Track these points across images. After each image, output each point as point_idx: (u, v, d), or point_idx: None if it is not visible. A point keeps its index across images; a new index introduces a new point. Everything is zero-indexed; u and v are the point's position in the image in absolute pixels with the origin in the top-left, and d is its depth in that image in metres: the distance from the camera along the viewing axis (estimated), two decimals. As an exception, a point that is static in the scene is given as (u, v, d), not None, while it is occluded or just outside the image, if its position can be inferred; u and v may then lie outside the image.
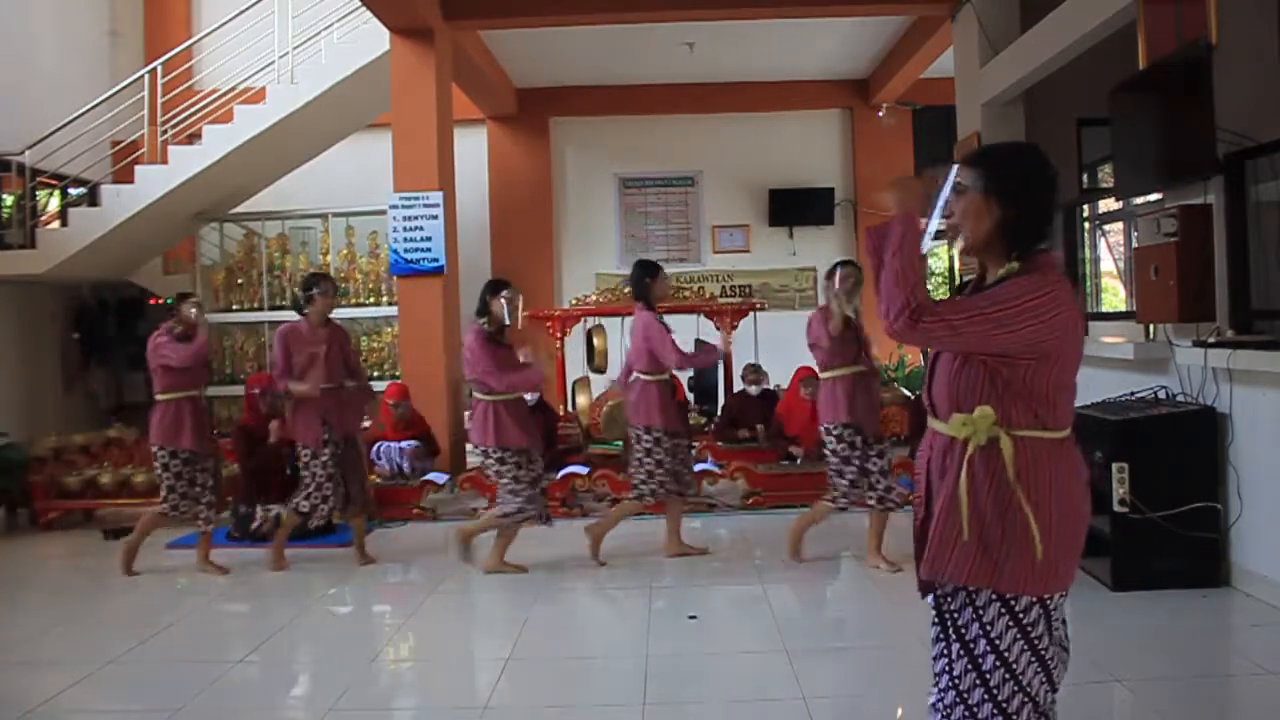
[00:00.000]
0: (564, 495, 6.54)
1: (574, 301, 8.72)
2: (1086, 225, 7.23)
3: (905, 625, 4.11)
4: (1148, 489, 4.38)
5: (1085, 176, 8.73)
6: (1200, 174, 4.43)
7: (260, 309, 9.63)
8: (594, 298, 8.66)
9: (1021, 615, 1.91)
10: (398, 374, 8.42)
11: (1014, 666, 1.91)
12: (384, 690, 3.77)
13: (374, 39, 7.97)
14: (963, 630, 1.95)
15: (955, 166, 2.00)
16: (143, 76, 8.66)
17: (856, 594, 4.92)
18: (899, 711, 3.34)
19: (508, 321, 5.18)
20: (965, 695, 1.95)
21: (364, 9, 7.42)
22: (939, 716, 2.03)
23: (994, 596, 1.91)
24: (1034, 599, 1.91)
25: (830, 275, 5.44)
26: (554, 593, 4.89)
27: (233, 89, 8.65)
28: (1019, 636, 1.91)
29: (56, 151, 8.30)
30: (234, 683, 3.78)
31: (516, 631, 4.23)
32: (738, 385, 8.19)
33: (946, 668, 2.01)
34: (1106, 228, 8.56)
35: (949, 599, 1.98)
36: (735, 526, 6.15)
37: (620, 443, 7.42)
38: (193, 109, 8.83)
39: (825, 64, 10.52)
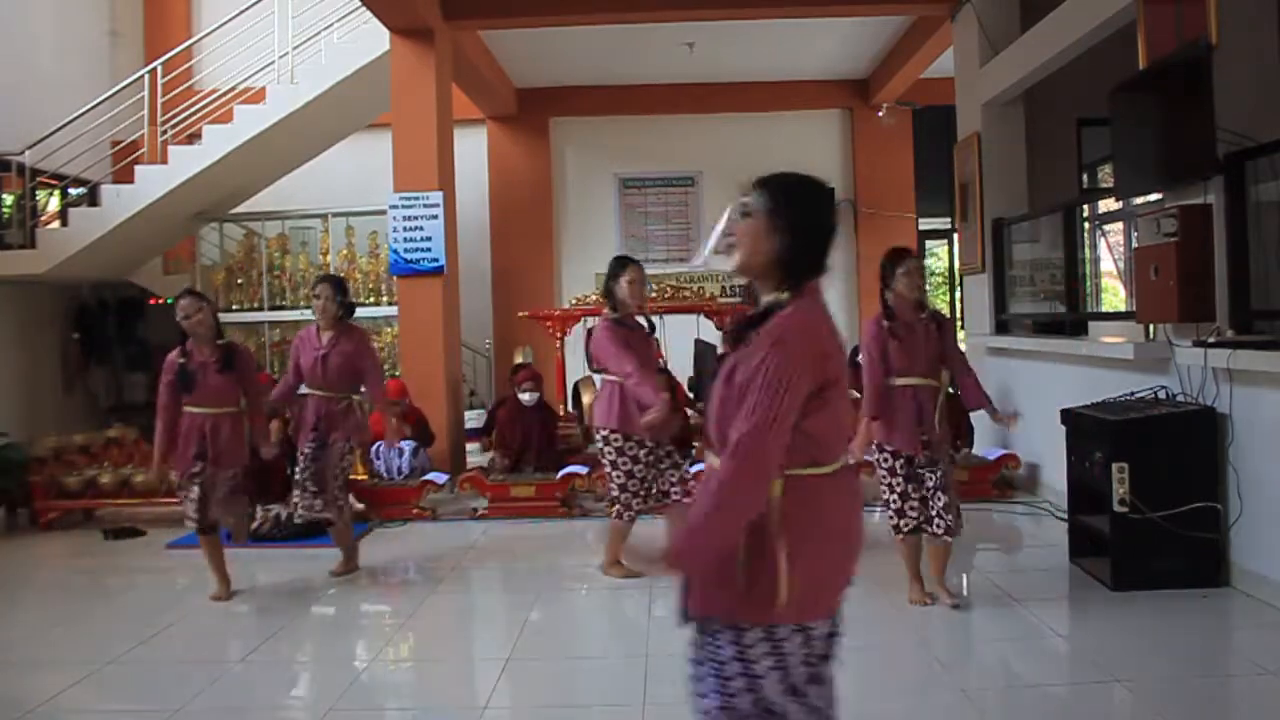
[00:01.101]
0: (564, 495, 6.54)
1: (574, 301, 8.72)
2: (1086, 225, 7.23)
3: (905, 625, 4.11)
4: (1148, 489, 4.38)
5: (1085, 176, 8.75)
6: (1200, 174, 4.43)
7: (260, 309, 9.64)
8: (594, 298, 8.65)
9: (783, 643, 1.87)
10: (397, 373, 8.41)
11: (764, 697, 1.87)
12: (384, 690, 3.77)
13: (374, 39, 7.97)
14: (721, 661, 1.89)
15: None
16: (143, 76, 8.66)
17: (856, 594, 4.91)
18: (899, 712, 3.34)
19: (630, 303, 4.88)
20: None
21: (364, 9, 7.42)
22: None
23: (760, 631, 1.87)
24: (795, 626, 1.88)
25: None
26: (554, 593, 4.89)
27: (233, 89, 8.65)
28: (776, 665, 1.87)
29: (56, 151, 8.30)
30: (234, 683, 3.78)
31: (516, 631, 4.23)
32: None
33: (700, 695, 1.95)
34: (1106, 228, 8.57)
35: (712, 629, 1.92)
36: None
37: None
38: (193, 109, 8.83)
39: (825, 64, 10.51)
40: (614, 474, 4.87)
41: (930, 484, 4.17)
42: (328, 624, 4.65)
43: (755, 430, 1.77)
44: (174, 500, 5.84)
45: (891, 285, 4.25)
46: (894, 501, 4.24)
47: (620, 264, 4.95)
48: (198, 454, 4.71)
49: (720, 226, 1.87)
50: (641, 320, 5.03)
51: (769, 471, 1.81)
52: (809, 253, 1.93)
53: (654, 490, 4.90)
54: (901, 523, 4.23)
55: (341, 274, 9.52)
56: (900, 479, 4.19)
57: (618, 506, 4.91)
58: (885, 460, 4.22)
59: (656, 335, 5.20)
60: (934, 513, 4.16)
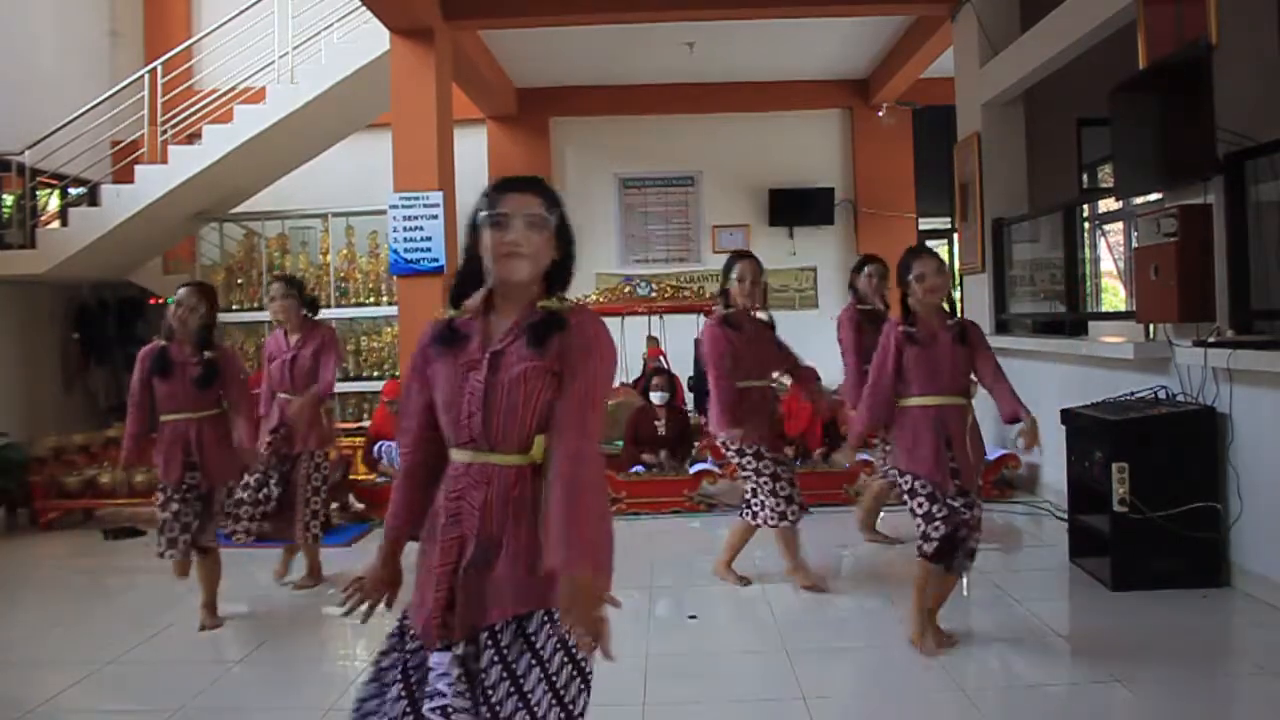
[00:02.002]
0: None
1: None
2: (1086, 225, 7.23)
3: (905, 625, 4.11)
4: (1148, 489, 4.38)
5: (1085, 176, 8.75)
6: (1200, 174, 4.43)
7: (260, 309, 9.62)
8: (594, 297, 8.66)
9: (567, 631, 1.86)
10: (397, 374, 8.41)
11: (560, 688, 1.86)
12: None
13: (374, 39, 7.97)
14: (514, 666, 1.84)
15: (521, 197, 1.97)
16: (143, 76, 8.66)
17: (856, 594, 4.92)
18: (899, 712, 3.34)
19: (741, 301, 4.57)
20: None
21: (364, 9, 7.42)
22: None
23: (544, 617, 1.88)
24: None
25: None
26: (554, 593, 4.88)
27: (233, 89, 8.64)
28: (563, 652, 1.87)
29: (56, 151, 8.30)
30: (234, 683, 3.78)
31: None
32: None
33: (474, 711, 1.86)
34: (1106, 228, 8.57)
35: (496, 639, 1.87)
36: (735, 526, 6.14)
37: (620, 442, 7.42)
38: (193, 109, 8.82)
39: (825, 64, 10.51)
40: (759, 481, 4.58)
41: (962, 516, 3.65)
42: (328, 624, 4.65)
43: (596, 437, 1.91)
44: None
45: (910, 290, 3.80)
46: (920, 512, 3.70)
47: (732, 259, 4.64)
48: (187, 464, 4.31)
49: (511, 236, 1.90)
50: (761, 316, 4.66)
51: (587, 452, 1.90)
52: (572, 262, 2.04)
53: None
54: (926, 546, 3.68)
55: (341, 274, 9.54)
56: (924, 498, 3.68)
57: (766, 512, 4.60)
58: (907, 481, 3.76)
59: (777, 335, 4.83)
60: (958, 549, 3.70)
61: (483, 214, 1.94)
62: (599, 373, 1.93)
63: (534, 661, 1.85)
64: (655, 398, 7.01)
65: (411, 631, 1.97)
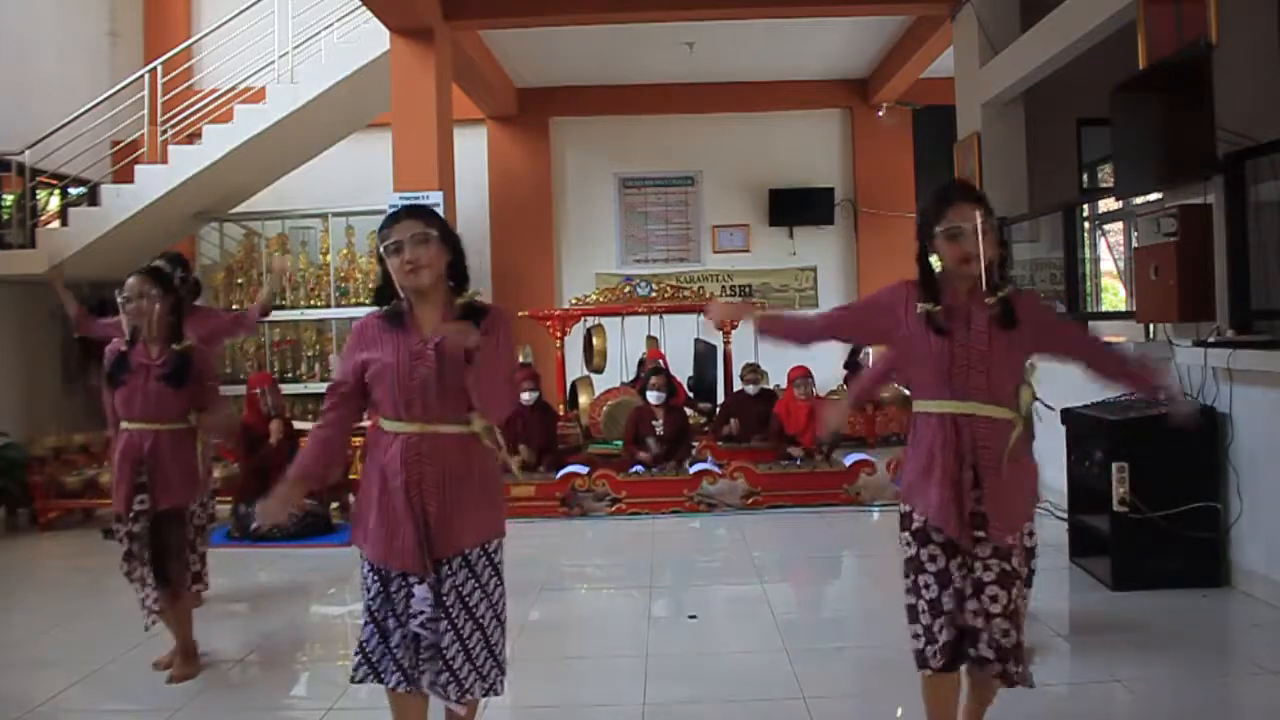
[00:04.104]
0: (564, 495, 6.54)
1: (574, 301, 8.72)
2: (1086, 225, 7.23)
3: (905, 625, 4.10)
4: (1148, 489, 4.38)
5: (1085, 176, 8.75)
6: (1200, 174, 4.43)
7: (260, 309, 9.62)
8: (594, 297, 8.66)
9: (495, 554, 2.56)
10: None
11: (492, 596, 2.52)
12: (383, 690, 3.76)
13: (374, 39, 7.96)
14: (461, 589, 2.48)
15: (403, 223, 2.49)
16: (143, 76, 8.65)
17: (856, 594, 4.92)
18: (899, 712, 3.34)
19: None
20: (456, 654, 2.47)
21: (364, 9, 7.42)
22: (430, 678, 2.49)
23: (480, 550, 2.52)
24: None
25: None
26: (554, 593, 4.89)
27: (233, 89, 8.64)
28: (490, 568, 2.54)
29: (56, 151, 8.29)
30: (234, 683, 3.78)
31: (516, 631, 4.23)
32: (737, 385, 8.19)
33: (436, 639, 2.47)
34: (1106, 228, 8.57)
35: (453, 571, 2.48)
36: (735, 526, 6.15)
37: (619, 442, 7.43)
38: (193, 109, 8.82)
39: (825, 64, 10.52)
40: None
41: (983, 577, 2.48)
42: (327, 624, 4.65)
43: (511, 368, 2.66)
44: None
45: (935, 249, 2.56)
46: (920, 611, 2.55)
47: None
48: (136, 484, 3.64)
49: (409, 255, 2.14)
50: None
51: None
52: (464, 258, 2.58)
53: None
54: (928, 649, 2.52)
55: (341, 274, 9.52)
56: (931, 575, 2.53)
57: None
58: (907, 535, 2.59)
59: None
60: (980, 626, 2.47)
61: (382, 246, 2.48)
62: (505, 348, 2.55)
63: (475, 584, 2.50)
64: (652, 397, 7.02)
65: (391, 571, 2.48)
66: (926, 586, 2.53)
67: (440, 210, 7.63)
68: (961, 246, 2.48)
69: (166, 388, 3.65)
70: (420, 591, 2.46)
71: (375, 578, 2.50)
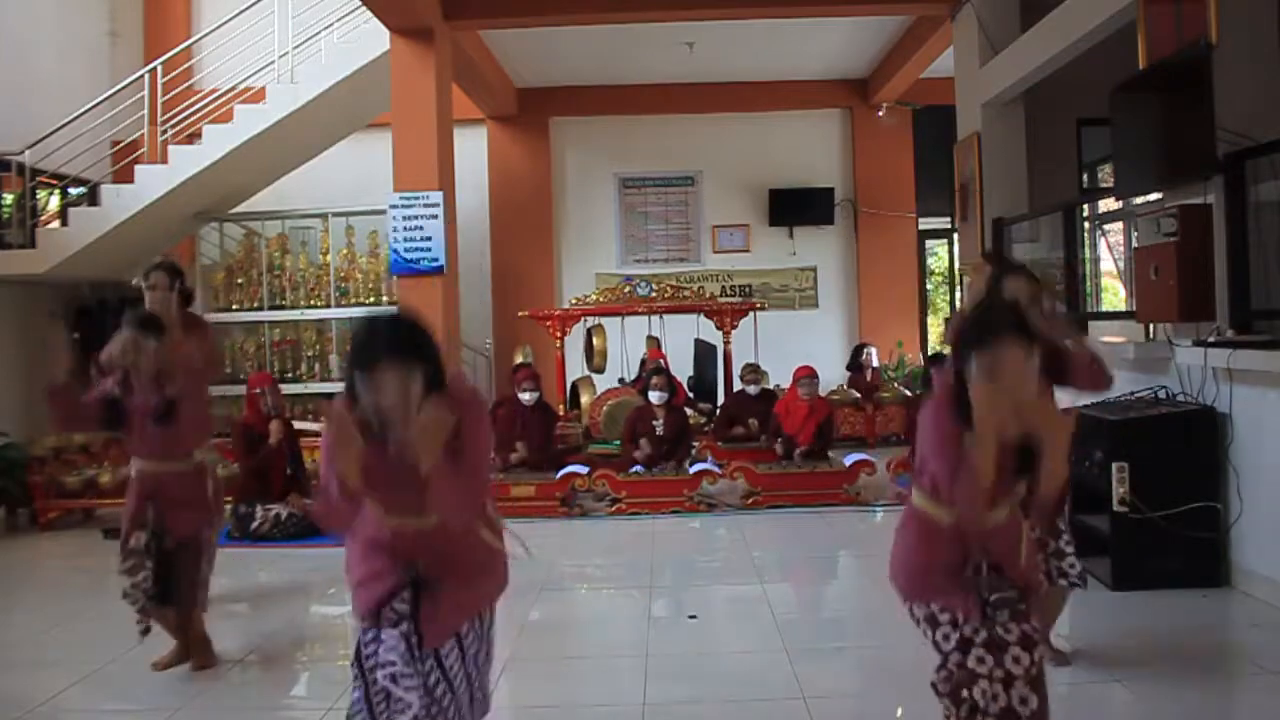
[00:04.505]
0: (564, 495, 6.54)
1: (574, 301, 8.72)
2: (1086, 225, 7.23)
3: (905, 625, 4.10)
4: (1148, 489, 4.38)
5: (1085, 176, 8.75)
6: (1200, 174, 4.43)
7: (260, 309, 9.63)
8: (594, 298, 8.66)
9: (486, 621, 2.42)
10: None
11: (479, 665, 2.39)
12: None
13: (374, 39, 7.96)
14: (445, 659, 2.30)
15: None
16: (143, 76, 8.65)
17: (856, 594, 4.92)
18: (899, 711, 3.34)
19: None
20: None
21: (364, 9, 7.42)
22: None
23: (469, 624, 2.35)
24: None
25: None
26: (554, 593, 4.89)
27: (233, 89, 8.64)
28: (480, 640, 2.40)
29: (56, 151, 8.29)
30: (234, 683, 3.78)
31: (516, 631, 4.23)
32: (737, 385, 8.19)
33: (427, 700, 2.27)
34: (1106, 228, 8.56)
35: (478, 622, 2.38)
36: (735, 526, 6.15)
37: (619, 442, 7.43)
38: (193, 109, 8.82)
39: (825, 64, 10.51)
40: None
41: (1007, 635, 2.34)
42: (327, 624, 4.65)
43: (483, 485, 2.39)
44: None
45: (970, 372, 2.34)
46: (942, 644, 2.45)
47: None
48: (139, 508, 3.71)
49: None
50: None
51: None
52: (440, 368, 2.27)
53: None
54: (939, 676, 2.44)
55: (341, 274, 9.53)
56: (949, 627, 2.44)
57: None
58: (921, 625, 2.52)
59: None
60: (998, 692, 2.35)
61: (357, 377, 2.20)
62: (478, 437, 2.32)
63: (460, 654, 2.32)
64: (654, 397, 7.02)
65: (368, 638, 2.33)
66: (946, 640, 2.42)
67: (440, 210, 7.70)
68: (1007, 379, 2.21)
69: (163, 429, 3.68)
70: (389, 639, 2.26)
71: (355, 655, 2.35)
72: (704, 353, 9.44)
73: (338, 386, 9.92)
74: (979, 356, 2.24)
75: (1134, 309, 5.10)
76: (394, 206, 7.75)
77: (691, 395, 9.21)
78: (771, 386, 8.30)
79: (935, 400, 2.37)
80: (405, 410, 2.19)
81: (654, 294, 8.51)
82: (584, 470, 6.64)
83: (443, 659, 2.29)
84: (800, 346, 10.12)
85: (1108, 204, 8.13)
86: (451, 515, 2.28)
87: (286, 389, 7.86)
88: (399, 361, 2.17)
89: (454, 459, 2.22)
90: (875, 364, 9.84)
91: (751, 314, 8.67)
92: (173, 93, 8.79)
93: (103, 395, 3.71)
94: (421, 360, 2.20)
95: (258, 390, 6.27)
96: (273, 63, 8.50)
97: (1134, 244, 6.38)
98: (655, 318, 8.86)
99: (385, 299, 9.39)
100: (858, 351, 9.95)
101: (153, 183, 8.30)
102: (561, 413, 8.08)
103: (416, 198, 7.71)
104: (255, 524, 5.96)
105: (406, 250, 7.74)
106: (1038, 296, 3.02)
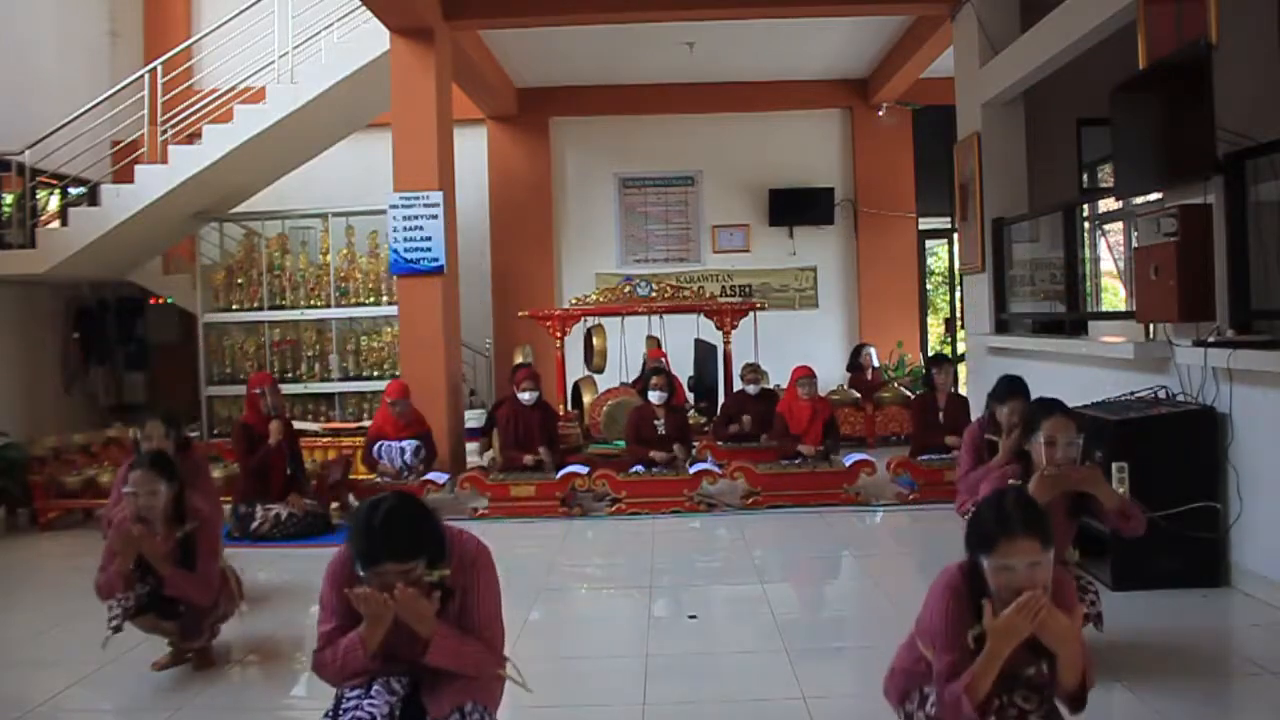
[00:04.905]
0: (564, 495, 6.54)
1: (574, 301, 8.72)
2: (1086, 225, 7.23)
3: (905, 625, 4.10)
4: (1148, 489, 4.36)
5: (1085, 176, 8.75)
6: (1200, 174, 4.43)
7: (260, 309, 9.64)
8: (594, 298, 8.66)
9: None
10: (398, 373, 8.41)
11: None
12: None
13: (374, 39, 7.97)
14: None
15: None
16: (143, 76, 8.66)
17: (856, 594, 4.92)
18: (899, 711, 3.34)
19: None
20: None
21: (364, 9, 7.42)
22: None
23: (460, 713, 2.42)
24: None
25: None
26: (554, 593, 4.89)
27: (233, 89, 8.65)
28: None
29: (56, 151, 8.30)
30: (234, 683, 3.78)
31: (516, 631, 4.23)
32: (737, 385, 8.19)
33: None
34: (1106, 228, 8.57)
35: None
36: (735, 526, 6.15)
37: (620, 442, 7.43)
38: (193, 109, 8.82)
39: (825, 64, 10.52)
40: None
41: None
42: (328, 624, 4.63)
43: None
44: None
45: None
46: None
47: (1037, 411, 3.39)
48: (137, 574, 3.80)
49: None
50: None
51: None
52: (444, 553, 2.38)
53: None
54: None
55: (341, 274, 9.53)
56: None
57: None
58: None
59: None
60: None
61: (361, 574, 2.32)
62: (486, 594, 2.49)
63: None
64: (654, 397, 7.01)
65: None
66: None
67: (440, 210, 7.70)
68: (1012, 584, 2.18)
69: (180, 570, 3.73)
70: (379, 695, 2.39)
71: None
72: (704, 353, 9.44)
73: (338, 386, 9.90)
74: (990, 560, 2.20)
75: (1134, 309, 5.10)
76: (394, 206, 7.75)
77: (690, 395, 9.21)
78: (771, 386, 8.29)
79: (948, 581, 2.33)
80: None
81: (654, 294, 8.51)
82: (584, 470, 6.64)
83: None
84: (800, 346, 10.13)
85: (1108, 204, 8.14)
86: (458, 670, 2.41)
87: (286, 389, 7.87)
88: (399, 562, 2.29)
89: (463, 616, 2.41)
90: (875, 364, 9.85)
91: (751, 314, 8.67)
92: (173, 93, 8.80)
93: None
94: (422, 552, 2.32)
95: (258, 390, 6.27)
96: (273, 63, 8.50)
97: (1134, 244, 6.38)
98: (655, 318, 8.86)
99: (385, 299, 9.40)
100: (857, 351, 9.96)
101: (153, 183, 8.31)
102: (563, 413, 8.08)
103: (416, 198, 7.72)
104: (255, 524, 5.96)
105: (406, 250, 7.74)
106: (1073, 436, 3.11)
